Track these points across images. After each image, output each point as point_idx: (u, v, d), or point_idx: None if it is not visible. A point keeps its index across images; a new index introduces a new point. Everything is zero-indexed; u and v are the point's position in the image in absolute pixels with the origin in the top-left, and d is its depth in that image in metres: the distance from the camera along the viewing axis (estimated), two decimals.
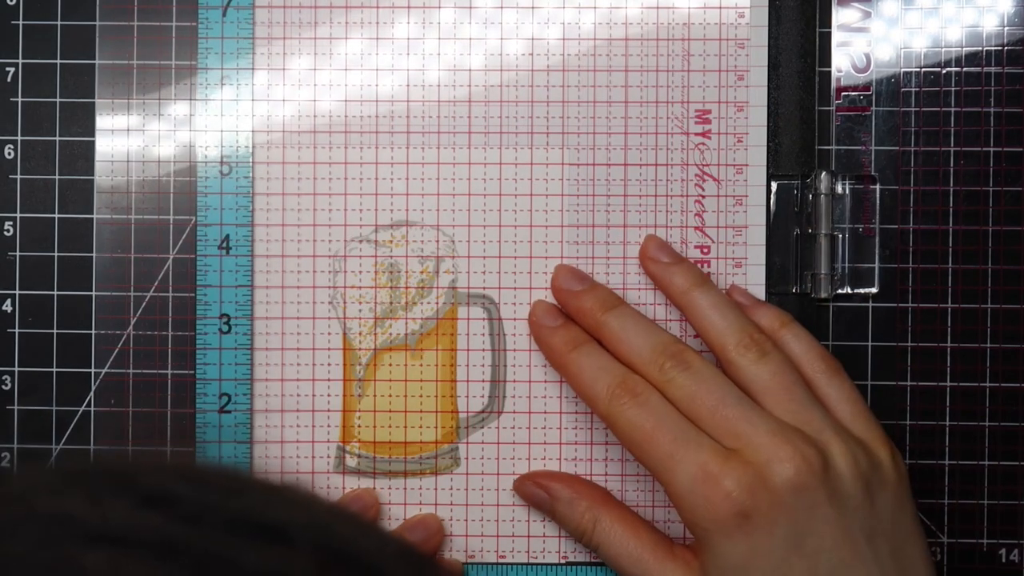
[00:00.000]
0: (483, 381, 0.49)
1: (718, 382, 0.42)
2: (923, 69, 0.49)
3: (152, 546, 0.22)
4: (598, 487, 0.47)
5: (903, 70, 0.49)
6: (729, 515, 0.40)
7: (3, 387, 0.49)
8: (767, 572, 0.40)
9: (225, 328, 0.48)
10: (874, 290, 0.49)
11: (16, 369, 0.49)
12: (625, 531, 0.44)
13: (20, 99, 0.49)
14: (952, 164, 0.48)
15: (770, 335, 0.44)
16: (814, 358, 0.44)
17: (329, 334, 0.49)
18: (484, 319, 0.49)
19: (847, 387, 0.44)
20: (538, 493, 0.47)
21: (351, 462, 0.49)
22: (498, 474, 0.48)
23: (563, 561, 0.48)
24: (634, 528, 0.45)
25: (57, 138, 0.49)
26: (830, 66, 0.49)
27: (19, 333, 0.49)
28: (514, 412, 0.49)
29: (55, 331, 0.49)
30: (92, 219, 0.49)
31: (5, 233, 0.49)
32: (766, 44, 0.48)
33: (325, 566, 0.23)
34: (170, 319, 0.49)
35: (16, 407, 0.49)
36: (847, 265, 0.49)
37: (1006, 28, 0.48)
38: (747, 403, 0.42)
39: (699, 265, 0.48)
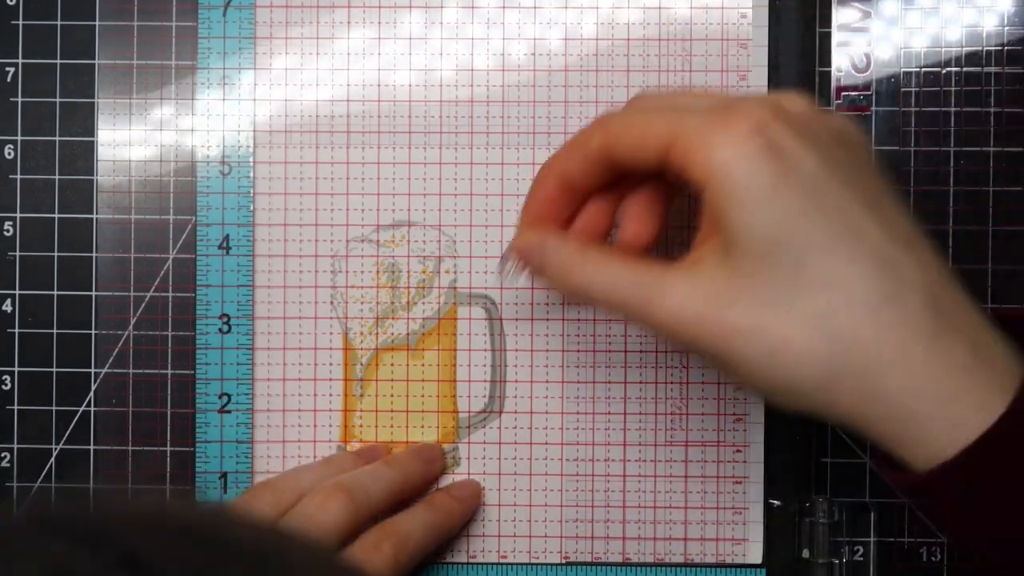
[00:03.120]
0: (483, 381, 0.49)
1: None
2: (923, 69, 0.49)
3: None
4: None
5: (903, 70, 0.49)
6: (750, 132, 0.36)
7: (3, 387, 0.49)
8: (802, 196, 0.36)
9: (225, 328, 0.48)
10: None
11: (16, 369, 0.49)
12: (614, 257, 0.41)
13: (20, 99, 0.49)
14: (952, 164, 0.48)
15: None
16: None
17: (329, 334, 0.49)
18: (484, 319, 0.49)
19: None
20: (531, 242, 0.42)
21: None
22: (499, 474, 0.48)
23: (564, 561, 0.48)
24: (622, 253, 0.41)
25: (57, 138, 0.49)
26: (830, 66, 0.49)
27: (19, 333, 0.49)
28: (514, 412, 0.49)
29: (55, 331, 0.49)
30: (92, 219, 0.49)
31: (5, 233, 0.49)
32: (766, 44, 0.48)
33: None
34: (170, 319, 0.49)
35: (16, 407, 0.49)
36: None
37: (1006, 28, 0.49)
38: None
39: None
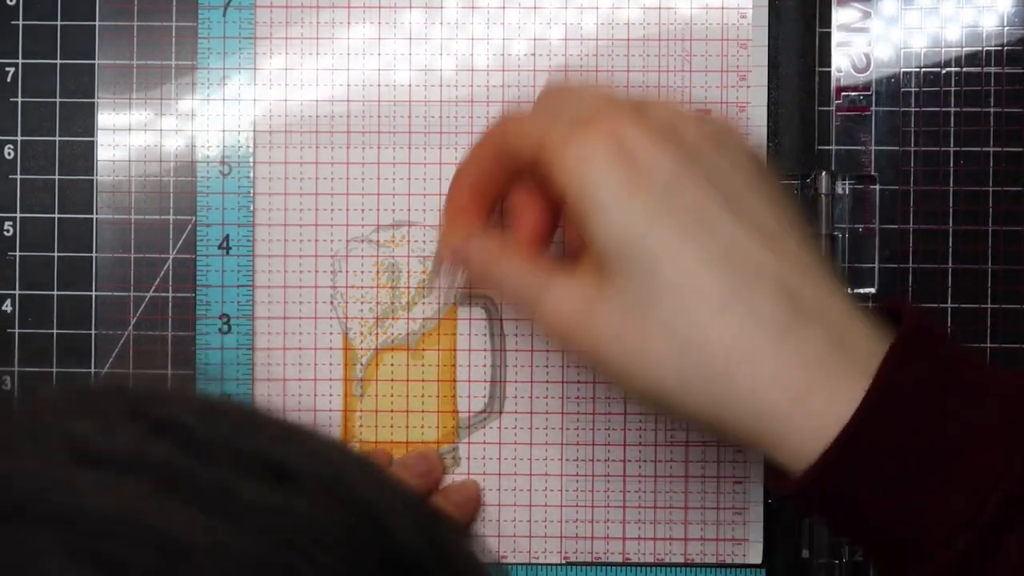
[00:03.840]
0: (483, 381, 0.49)
1: None
2: (923, 69, 0.49)
3: (152, 474, 0.22)
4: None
5: (903, 70, 0.49)
6: (604, 139, 0.37)
7: (3, 387, 0.49)
8: (653, 200, 0.36)
9: (225, 328, 0.48)
10: (874, 290, 0.49)
11: (16, 369, 0.49)
12: (523, 257, 0.41)
13: (20, 99, 0.49)
14: (952, 164, 0.48)
15: None
16: None
17: (329, 334, 0.49)
18: (484, 319, 0.49)
19: None
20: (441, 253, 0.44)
21: None
22: (499, 474, 0.48)
23: (564, 561, 0.48)
24: (533, 254, 0.41)
25: (57, 138, 0.49)
26: (830, 66, 0.49)
27: (19, 333, 0.49)
28: (514, 412, 0.49)
29: (55, 331, 0.49)
30: (92, 219, 0.49)
31: (5, 233, 0.49)
32: (766, 44, 0.48)
33: (328, 508, 0.23)
34: (170, 319, 0.49)
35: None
36: (847, 265, 0.49)
37: (1006, 28, 0.49)
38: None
39: None
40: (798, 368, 0.35)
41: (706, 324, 0.36)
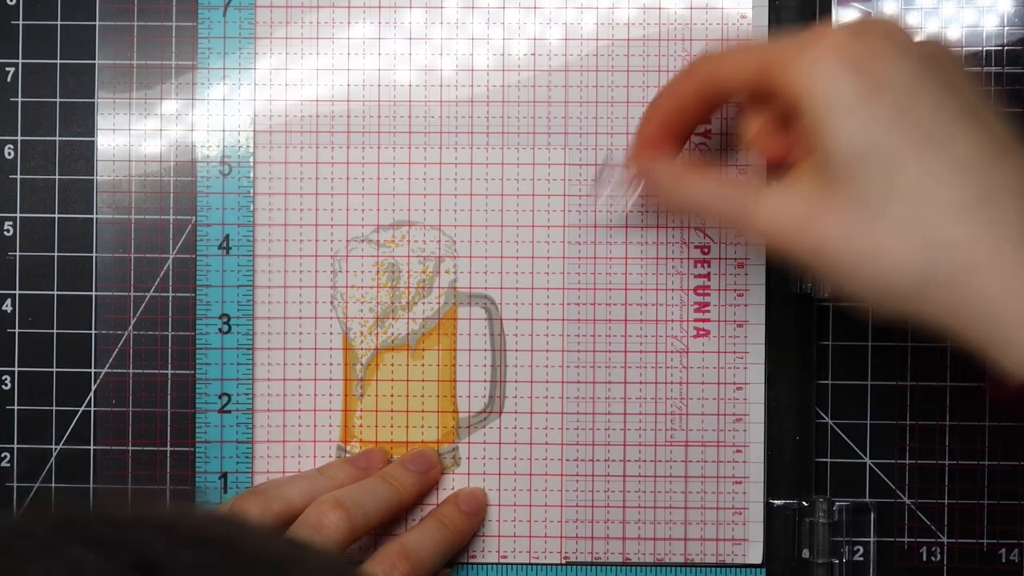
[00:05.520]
0: (483, 381, 0.49)
1: None
2: None
3: None
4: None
5: None
6: (834, 49, 0.38)
7: (3, 387, 0.49)
8: (890, 107, 0.37)
9: (225, 328, 0.48)
10: None
11: (16, 369, 0.49)
12: (716, 176, 0.43)
13: (20, 99, 0.49)
14: None
15: None
16: None
17: (330, 334, 0.49)
18: (484, 319, 0.49)
19: None
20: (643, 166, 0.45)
21: None
22: (499, 474, 0.48)
23: (564, 561, 0.48)
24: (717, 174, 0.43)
25: (57, 138, 0.49)
26: None
27: (19, 333, 0.49)
28: (514, 412, 0.49)
29: (55, 331, 0.49)
30: (92, 219, 0.49)
31: (5, 233, 0.49)
32: None
33: None
34: (170, 319, 0.49)
35: (16, 407, 0.49)
36: None
37: (1006, 28, 0.49)
38: None
39: (699, 266, 0.48)
40: None
41: (949, 226, 0.37)
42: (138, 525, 0.25)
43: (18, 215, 0.49)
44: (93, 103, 0.49)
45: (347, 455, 0.49)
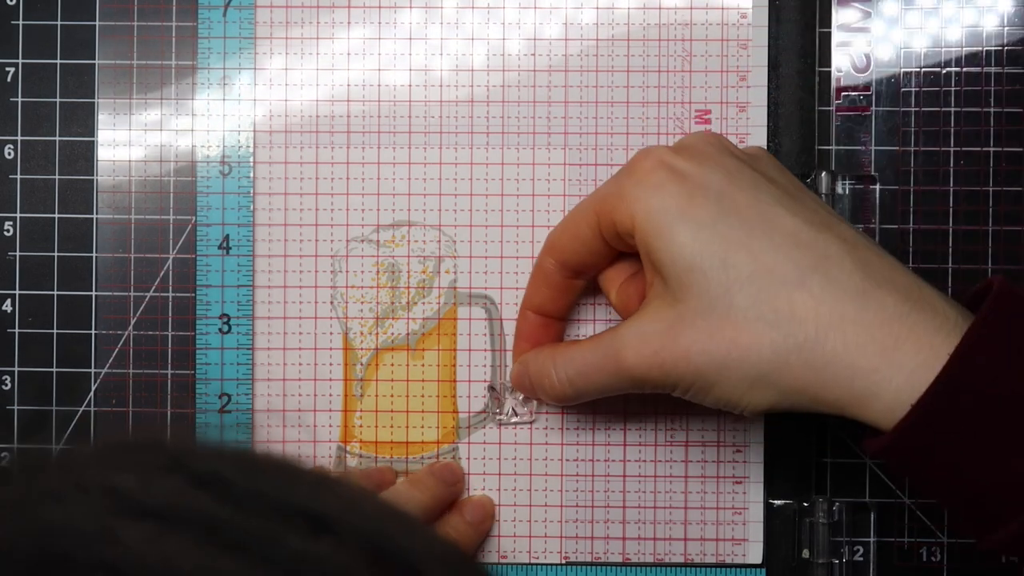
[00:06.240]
0: (483, 381, 0.49)
1: None
2: (923, 69, 0.49)
3: (196, 525, 0.23)
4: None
5: (903, 70, 0.49)
6: (653, 168, 0.40)
7: (3, 387, 0.49)
8: (712, 206, 0.39)
9: (225, 328, 0.48)
10: None
11: (16, 369, 0.49)
12: (577, 343, 0.44)
13: (20, 99, 0.49)
14: (952, 164, 0.48)
15: None
16: None
17: (329, 334, 0.49)
18: (484, 319, 0.49)
19: None
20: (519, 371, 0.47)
21: (351, 462, 0.49)
22: (499, 474, 0.48)
23: (564, 561, 0.48)
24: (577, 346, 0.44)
25: (57, 138, 0.49)
26: (830, 66, 0.49)
27: (19, 333, 0.49)
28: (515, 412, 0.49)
29: (55, 331, 0.49)
30: (92, 219, 0.49)
31: (5, 233, 0.49)
32: (766, 44, 0.48)
33: (366, 559, 0.23)
34: (170, 319, 0.49)
35: (16, 407, 0.49)
36: None
37: (1006, 28, 0.49)
38: None
39: None
40: (882, 325, 0.38)
41: (788, 298, 0.38)
42: (198, 450, 0.26)
43: (18, 215, 0.49)
44: (93, 103, 0.49)
45: (347, 455, 0.49)
